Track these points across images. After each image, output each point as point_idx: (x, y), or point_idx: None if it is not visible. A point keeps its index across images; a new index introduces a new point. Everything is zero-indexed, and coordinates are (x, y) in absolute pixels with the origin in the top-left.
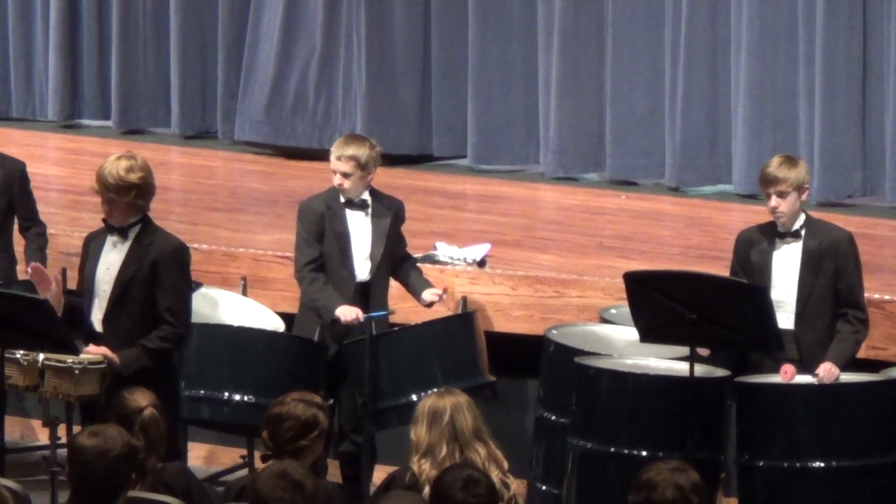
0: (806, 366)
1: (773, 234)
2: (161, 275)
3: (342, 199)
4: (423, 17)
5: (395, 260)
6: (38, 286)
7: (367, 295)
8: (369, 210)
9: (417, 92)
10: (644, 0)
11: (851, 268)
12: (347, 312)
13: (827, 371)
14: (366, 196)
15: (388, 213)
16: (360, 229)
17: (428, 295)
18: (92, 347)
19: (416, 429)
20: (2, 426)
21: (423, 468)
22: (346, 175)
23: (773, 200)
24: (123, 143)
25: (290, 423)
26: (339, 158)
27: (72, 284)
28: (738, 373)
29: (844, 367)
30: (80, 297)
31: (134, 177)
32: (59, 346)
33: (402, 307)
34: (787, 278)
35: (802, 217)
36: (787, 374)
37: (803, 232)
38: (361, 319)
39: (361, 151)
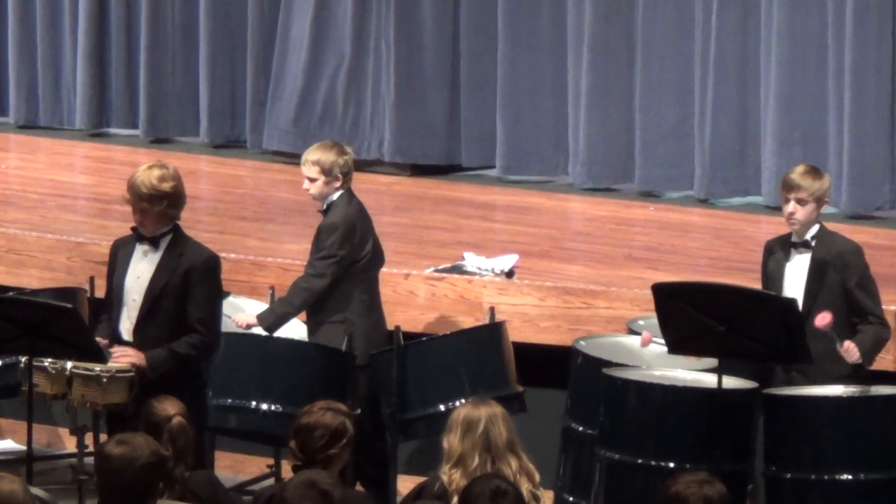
0: (808, 377)
1: (788, 244)
2: (193, 285)
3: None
4: (453, 27)
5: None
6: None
7: None
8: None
9: (446, 102)
10: (674, 12)
11: (859, 280)
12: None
13: (850, 346)
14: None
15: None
16: None
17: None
18: (118, 349)
19: (448, 437)
20: (30, 434)
21: (454, 477)
22: (311, 180)
23: (791, 206)
24: (151, 152)
25: (321, 431)
26: (303, 164)
27: (101, 292)
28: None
29: (867, 356)
30: (108, 305)
31: (166, 186)
32: (87, 354)
33: (429, 318)
34: (797, 288)
35: (816, 228)
36: (825, 321)
37: (814, 243)
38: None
39: (327, 156)
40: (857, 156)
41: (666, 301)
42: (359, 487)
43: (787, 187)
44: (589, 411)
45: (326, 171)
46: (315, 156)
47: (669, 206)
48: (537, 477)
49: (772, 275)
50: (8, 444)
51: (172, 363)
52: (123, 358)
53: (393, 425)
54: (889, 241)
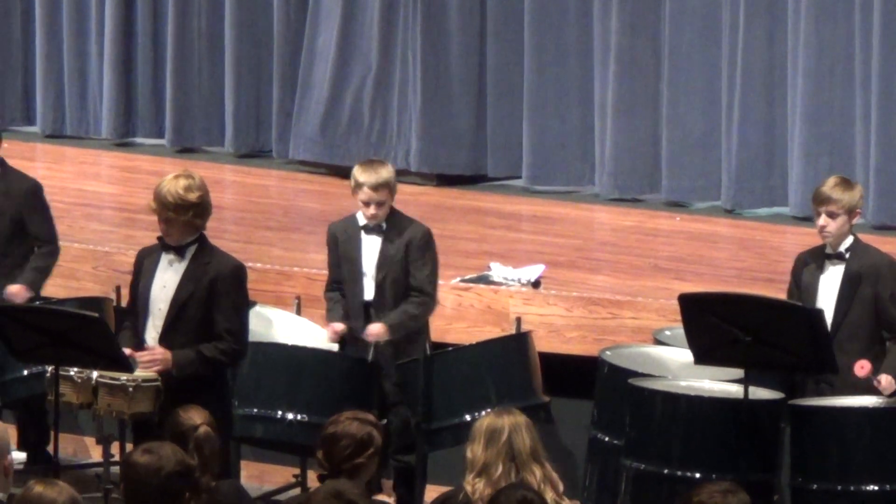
0: (837, 389)
1: (822, 256)
2: (219, 294)
3: (360, 224)
4: (479, 37)
5: (406, 287)
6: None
7: (369, 316)
8: (383, 234)
9: (473, 112)
10: (700, 22)
11: (893, 293)
12: (329, 332)
13: (888, 381)
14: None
15: (402, 239)
16: (371, 252)
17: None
18: (143, 352)
19: (472, 447)
20: (56, 443)
21: (477, 487)
22: (381, 204)
23: (822, 219)
24: (177, 162)
25: (346, 441)
26: (375, 189)
27: (125, 302)
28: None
29: None
30: (133, 314)
31: (193, 196)
32: (113, 363)
33: (455, 328)
34: (830, 300)
35: (850, 240)
36: (865, 369)
37: (848, 255)
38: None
39: (390, 175)
40: (884, 166)
41: (692, 311)
42: (384, 498)
43: (818, 201)
44: (615, 421)
45: (393, 190)
46: (384, 176)
47: (696, 217)
48: (561, 486)
49: (806, 287)
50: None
51: (199, 365)
52: (151, 365)
53: (419, 435)
54: None
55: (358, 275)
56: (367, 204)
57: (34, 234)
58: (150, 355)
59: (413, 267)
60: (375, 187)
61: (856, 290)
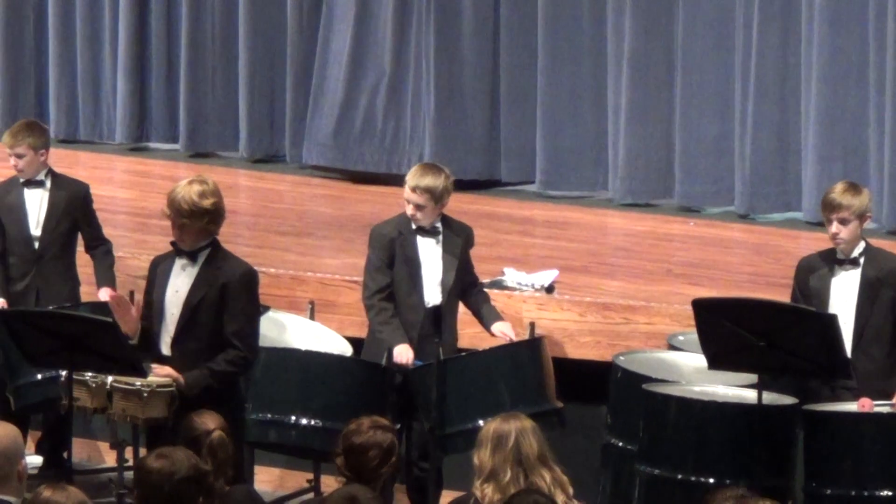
0: (861, 394)
1: (832, 260)
2: (230, 299)
3: (414, 226)
4: (493, 42)
5: (464, 285)
6: (116, 314)
7: (439, 321)
8: (440, 237)
9: (486, 117)
10: (714, 27)
11: None
12: (401, 354)
13: None
14: (437, 223)
15: (459, 239)
16: (430, 256)
17: (497, 330)
18: (157, 368)
19: (479, 453)
20: (69, 448)
21: (486, 492)
22: (419, 207)
23: (834, 226)
24: (191, 167)
25: (375, 451)
26: (413, 190)
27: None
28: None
29: None
30: (144, 319)
31: (207, 202)
32: (128, 368)
33: (469, 333)
34: (845, 306)
35: (862, 245)
36: (865, 407)
37: (862, 260)
38: (410, 366)
39: (437, 183)
40: None
41: (706, 316)
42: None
43: (829, 208)
44: (628, 427)
45: (437, 198)
46: (427, 182)
47: (709, 222)
48: (571, 489)
49: (815, 292)
50: (36, 459)
51: (212, 381)
52: (160, 370)
53: (433, 440)
54: None
55: (419, 278)
56: (407, 202)
57: (89, 236)
58: (164, 369)
59: (469, 264)
60: (414, 188)
61: (876, 294)
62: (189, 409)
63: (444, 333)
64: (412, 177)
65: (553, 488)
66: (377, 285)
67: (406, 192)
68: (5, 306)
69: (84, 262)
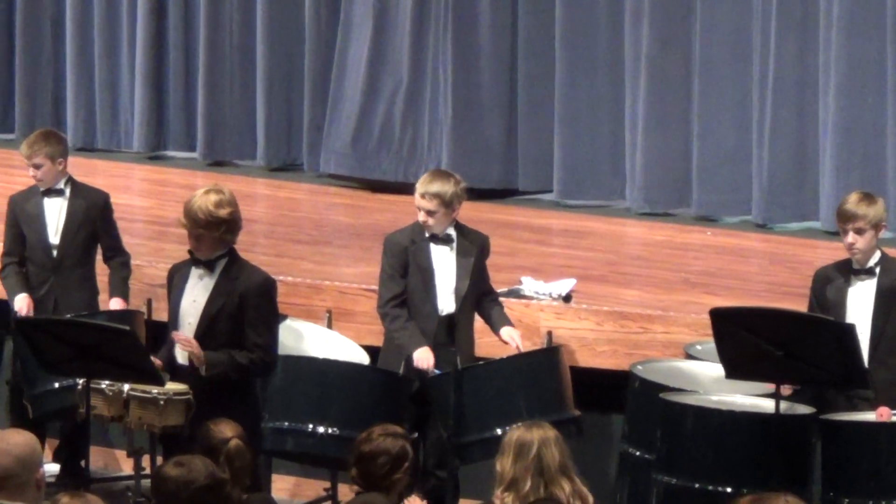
0: (879, 403)
1: (848, 271)
2: (249, 308)
3: (427, 234)
4: (510, 51)
5: (479, 294)
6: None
7: (453, 329)
8: (454, 245)
9: (503, 126)
10: (732, 36)
11: None
12: (422, 359)
13: None
14: (451, 231)
15: (473, 247)
16: (444, 264)
17: (505, 335)
18: (177, 334)
19: (501, 461)
20: (87, 456)
21: (506, 501)
22: (430, 213)
23: (850, 237)
24: (208, 175)
25: (384, 458)
26: (423, 196)
27: (158, 315)
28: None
29: None
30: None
31: (223, 212)
32: (144, 376)
33: (487, 342)
34: (862, 316)
35: (878, 254)
36: (883, 416)
37: (878, 269)
38: (430, 371)
39: (446, 189)
40: None
41: (724, 326)
42: None
43: (844, 218)
44: (646, 436)
45: (447, 203)
46: (436, 187)
47: (727, 231)
48: (591, 500)
49: (832, 303)
50: (54, 468)
51: (229, 367)
52: (186, 345)
53: (450, 449)
54: None
55: (432, 287)
56: (418, 209)
57: (107, 246)
58: (188, 339)
59: (485, 273)
60: (424, 194)
61: (892, 304)
62: (206, 417)
63: (459, 342)
64: (421, 183)
65: (572, 500)
66: (390, 293)
67: (416, 198)
68: (31, 303)
69: (103, 270)
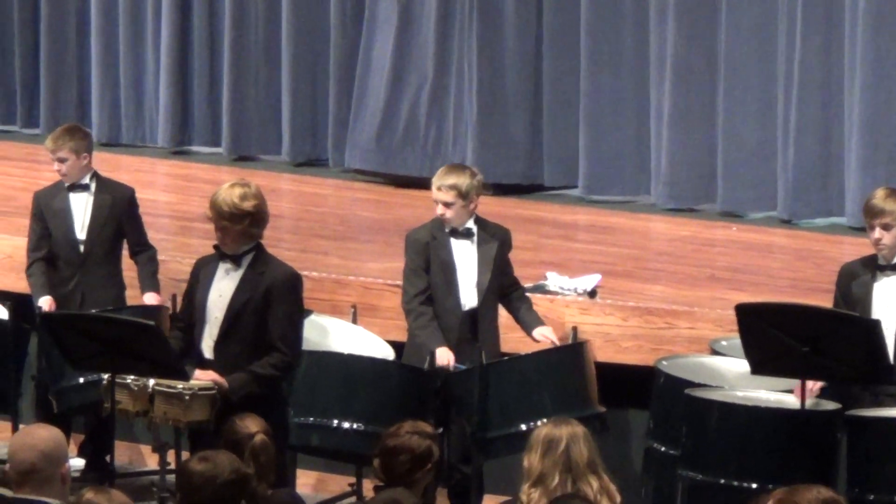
0: None
1: (874, 266)
2: (274, 303)
3: (447, 229)
4: (535, 47)
5: (504, 288)
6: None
7: (476, 324)
8: (475, 238)
9: (529, 122)
10: (757, 32)
11: None
12: (441, 357)
13: None
14: (471, 224)
15: (494, 241)
16: (465, 258)
17: (539, 335)
18: (199, 372)
19: (529, 456)
20: (112, 451)
21: (533, 497)
22: (447, 205)
23: (877, 232)
24: (234, 170)
25: (405, 456)
26: (439, 188)
27: None
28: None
29: None
30: (181, 321)
31: (248, 205)
32: (170, 371)
33: (511, 337)
34: (888, 311)
35: None
36: None
37: None
38: (451, 368)
39: (462, 180)
40: None
41: (749, 321)
42: None
43: (871, 214)
44: (671, 432)
45: (464, 195)
46: (451, 180)
47: (752, 227)
48: (618, 497)
49: (857, 298)
50: (79, 462)
51: (255, 385)
52: (203, 374)
53: (474, 444)
54: None
55: (454, 281)
56: (435, 202)
57: (133, 241)
58: (207, 374)
59: (509, 267)
60: (440, 187)
61: None
62: (231, 412)
63: (483, 337)
64: (438, 176)
65: (600, 496)
66: (415, 289)
67: (433, 192)
68: (53, 305)
69: (130, 266)
